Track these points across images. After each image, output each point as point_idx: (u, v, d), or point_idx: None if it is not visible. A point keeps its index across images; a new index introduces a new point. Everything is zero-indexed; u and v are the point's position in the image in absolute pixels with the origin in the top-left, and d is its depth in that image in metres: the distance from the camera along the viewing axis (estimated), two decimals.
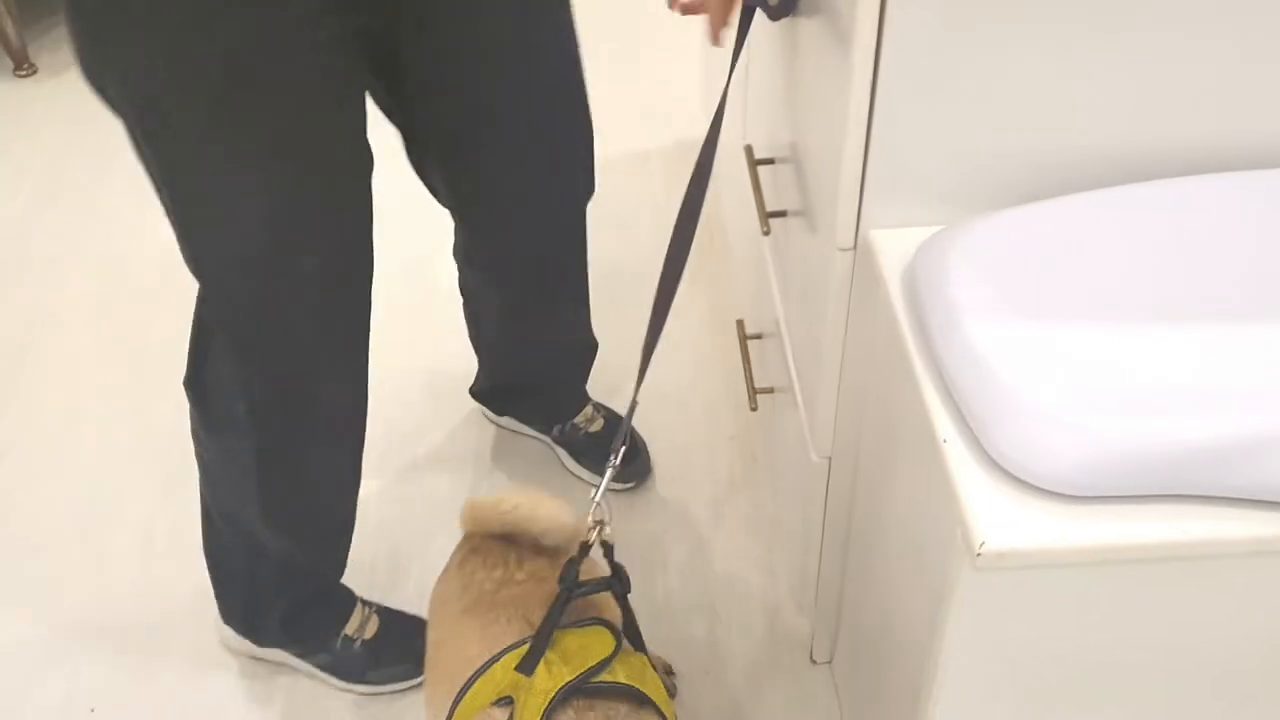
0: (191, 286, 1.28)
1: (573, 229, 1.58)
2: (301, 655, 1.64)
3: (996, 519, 0.89)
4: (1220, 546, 0.88)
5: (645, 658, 1.16)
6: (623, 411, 1.96)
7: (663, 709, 1.10)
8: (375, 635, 1.64)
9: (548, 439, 1.93)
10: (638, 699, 1.10)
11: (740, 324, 1.80)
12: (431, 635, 1.26)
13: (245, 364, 1.31)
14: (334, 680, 1.63)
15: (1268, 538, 0.88)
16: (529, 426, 1.93)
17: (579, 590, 1.14)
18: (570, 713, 1.07)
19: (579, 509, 1.20)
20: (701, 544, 1.84)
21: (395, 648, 1.64)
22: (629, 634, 1.19)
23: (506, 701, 1.08)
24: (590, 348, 1.84)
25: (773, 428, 1.78)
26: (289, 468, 1.41)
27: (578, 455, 1.90)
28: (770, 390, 1.72)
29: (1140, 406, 0.89)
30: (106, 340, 2.22)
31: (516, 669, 1.10)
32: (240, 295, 1.25)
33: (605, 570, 1.20)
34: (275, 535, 1.47)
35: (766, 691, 1.64)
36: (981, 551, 0.87)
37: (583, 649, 1.11)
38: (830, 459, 1.40)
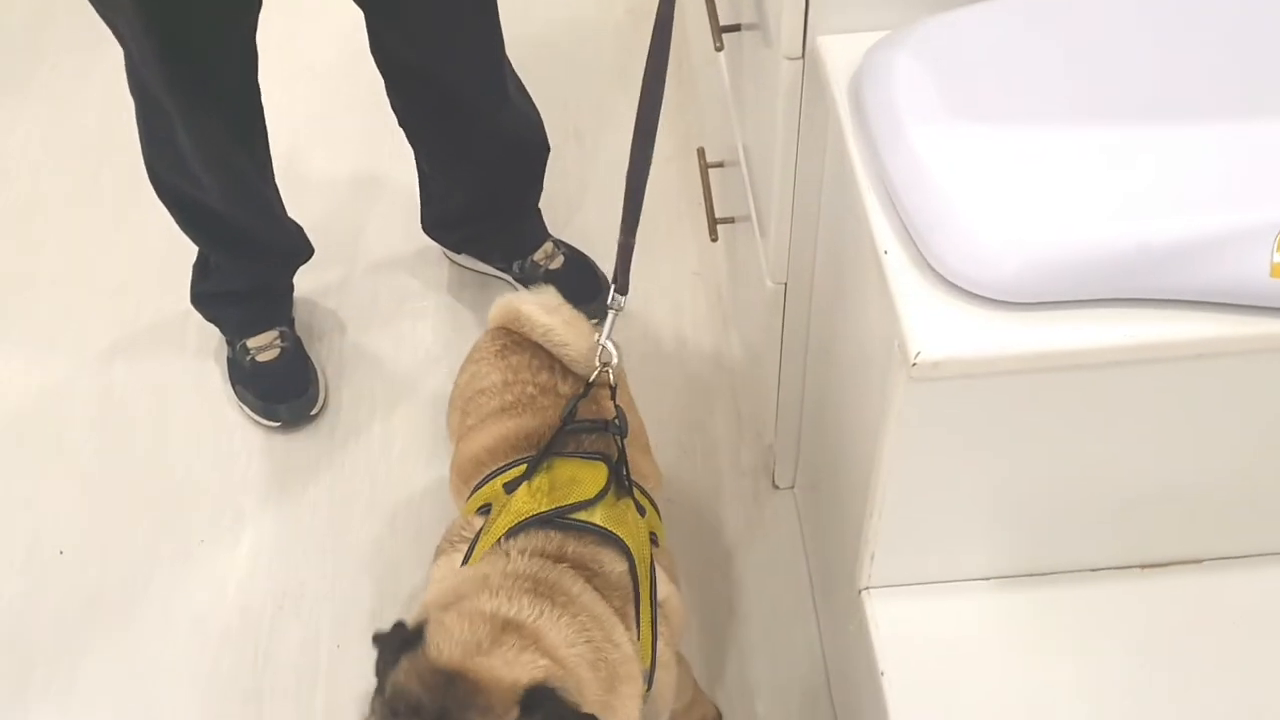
0: None
1: None
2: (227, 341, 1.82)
3: (934, 329, 0.87)
4: (1161, 350, 0.86)
5: (631, 501, 1.15)
6: (582, 247, 1.93)
7: (634, 551, 1.10)
8: (269, 361, 1.76)
9: (508, 277, 1.89)
10: (603, 538, 1.10)
11: (701, 152, 1.74)
12: (464, 419, 1.28)
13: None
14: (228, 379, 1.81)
15: (1209, 339, 0.86)
16: (488, 264, 1.89)
17: (577, 427, 1.15)
18: (527, 537, 1.08)
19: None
20: (667, 380, 1.83)
21: (277, 388, 1.76)
22: (622, 474, 1.16)
23: (487, 510, 1.10)
24: (540, 147, 1.77)
25: (734, 259, 1.75)
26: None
27: None
28: (731, 220, 1.68)
29: (1081, 210, 0.86)
30: None
31: (504, 486, 1.11)
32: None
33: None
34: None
35: (730, 517, 1.66)
36: (917, 361, 0.85)
37: (572, 481, 1.11)
38: (785, 284, 1.38)
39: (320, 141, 2.14)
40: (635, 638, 1.07)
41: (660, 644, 1.11)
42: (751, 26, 1.33)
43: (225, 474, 1.72)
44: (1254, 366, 0.92)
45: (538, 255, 1.86)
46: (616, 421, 1.17)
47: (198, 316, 1.82)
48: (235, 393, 1.79)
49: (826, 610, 1.47)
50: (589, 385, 1.21)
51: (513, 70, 1.66)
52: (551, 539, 1.09)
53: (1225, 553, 1.10)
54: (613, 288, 1.24)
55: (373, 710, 0.96)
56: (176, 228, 1.68)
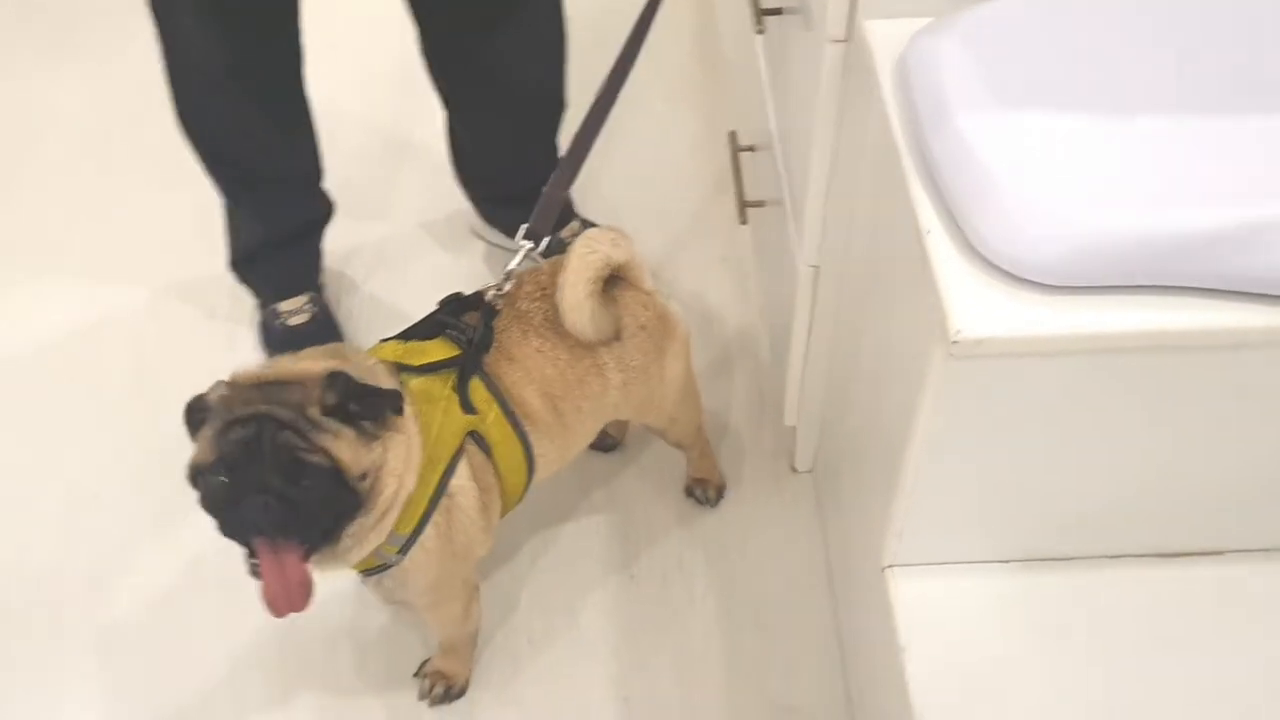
0: None
1: None
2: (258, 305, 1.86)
3: (974, 308, 0.88)
4: (1196, 338, 0.88)
5: (456, 398, 1.26)
6: (605, 223, 1.94)
7: (423, 431, 1.21)
8: (299, 324, 1.79)
9: (535, 255, 1.91)
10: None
11: (733, 135, 1.76)
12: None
13: None
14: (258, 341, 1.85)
15: (1244, 329, 0.87)
16: (513, 239, 1.91)
17: (445, 314, 1.30)
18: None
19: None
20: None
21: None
22: (465, 379, 1.28)
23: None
24: (557, 102, 1.79)
25: (762, 243, 1.77)
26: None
27: None
28: (761, 204, 1.69)
29: (1123, 196, 0.88)
30: None
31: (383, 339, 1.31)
32: None
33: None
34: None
35: (748, 498, 1.68)
36: (958, 339, 0.87)
37: (422, 352, 1.27)
38: (818, 266, 1.39)
39: (354, 103, 2.16)
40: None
41: (430, 529, 1.23)
42: (793, 10, 1.34)
43: None
44: None
45: (564, 233, 1.87)
46: (474, 330, 1.28)
47: (232, 282, 1.85)
48: (265, 356, 1.81)
49: (845, 590, 1.49)
50: (479, 296, 1.33)
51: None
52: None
53: (1247, 544, 1.11)
54: (522, 229, 1.36)
55: (204, 439, 1.10)
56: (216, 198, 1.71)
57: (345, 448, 1.11)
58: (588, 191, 1.99)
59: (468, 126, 1.81)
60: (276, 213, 1.79)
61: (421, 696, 1.47)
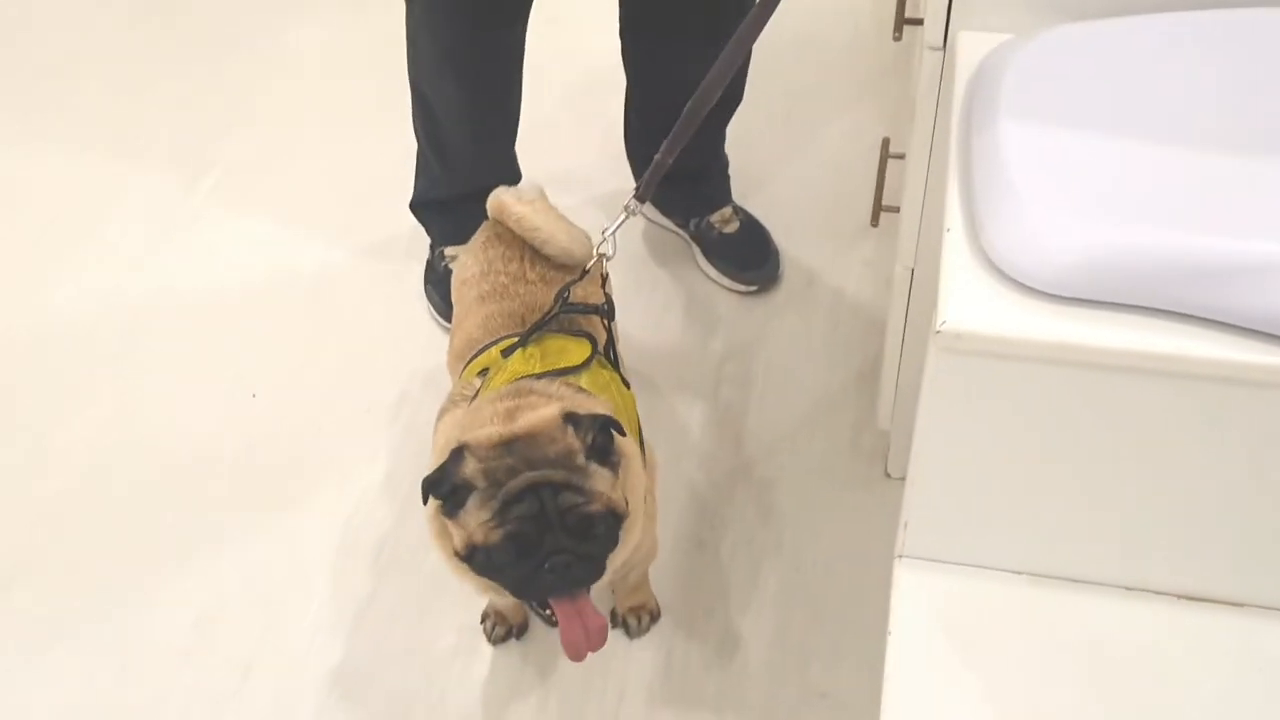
0: None
1: None
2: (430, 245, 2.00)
3: (966, 303, 0.92)
4: (1189, 365, 0.88)
5: (617, 375, 1.30)
6: (764, 219, 2.02)
7: (615, 416, 1.21)
8: None
9: (684, 234, 2.01)
10: (589, 396, 1.24)
11: (885, 141, 1.79)
12: (455, 309, 1.47)
13: None
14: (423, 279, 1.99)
15: (1238, 363, 0.87)
16: (668, 218, 2.02)
17: (570, 308, 1.29)
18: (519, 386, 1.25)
19: (590, 241, 1.38)
20: (809, 355, 1.90)
21: None
22: (608, 354, 1.34)
23: (486, 373, 1.26)
24: (734, 99, 1.85)
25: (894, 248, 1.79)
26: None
27: (709, 254, 1.98)
28: (895, 209, 1.72)
29: (1139, 218, 0.89)
30: None
31: (502, 353, 1.27)
32: None
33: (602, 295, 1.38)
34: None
35: (835, 496, 1.71)
36: (940, 330, 0.91)
37: (561, 352, 1.26)
38: (913, 269, 1.43)
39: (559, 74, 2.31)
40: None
41: (642, 494, 1.24)
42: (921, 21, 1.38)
43: (400, 360, 1.93)
44: None
45: (714, 217, 1.97)
46: (605, 306, 1.31)
47: (413, 222, 2.04)
48: (426, 292, 2.00)
49: None
50: (584, 271, 1.35)
51: None
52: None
53: (1271, 602, 1.07)
54: (634, 193, 1.35)
55: (477, 520, 1.11)
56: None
57: (610, 485, 1.14)
58: (750, 178, 2.07)
59: (644, 109, 1.92)
60: (466, 174, 1.93)
61: (634, 634, 1.54)
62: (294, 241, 2.14)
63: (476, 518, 1.11)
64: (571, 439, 1.12)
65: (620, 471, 1.16)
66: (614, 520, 1.14)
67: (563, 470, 1.10)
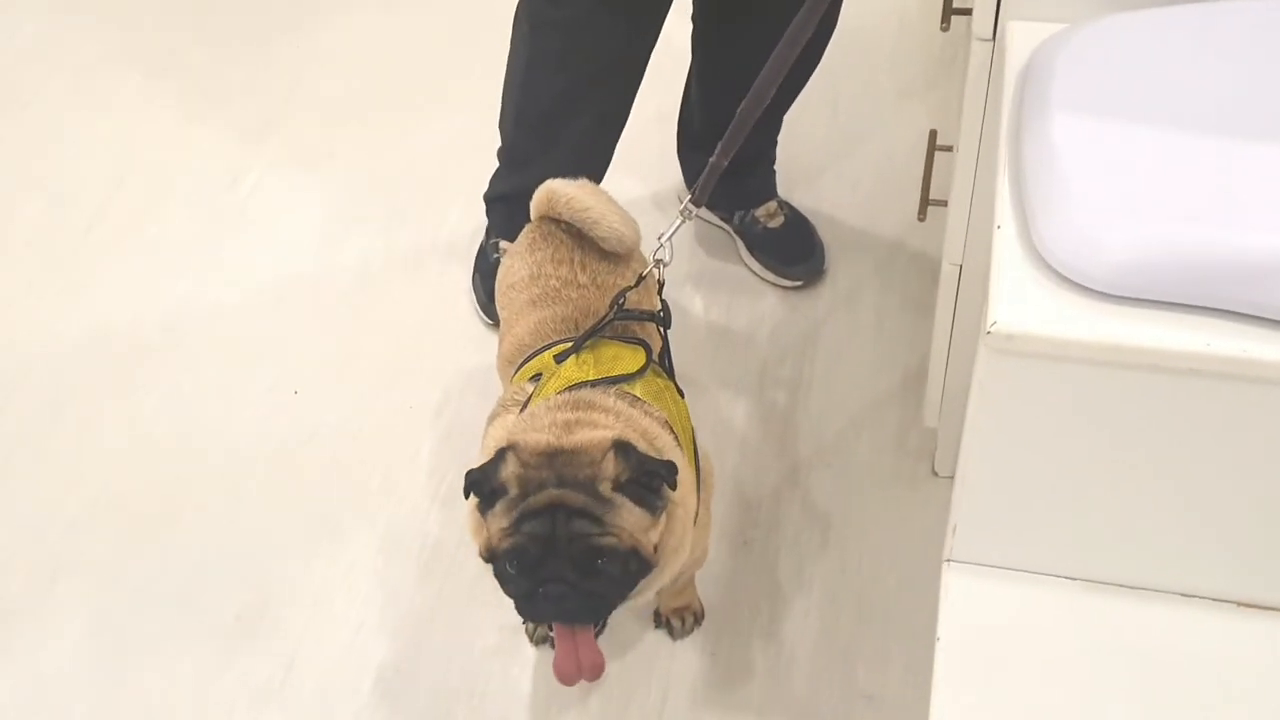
0: None
1: None
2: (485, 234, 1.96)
3: (1018, 303, 0.89)
4: (1246, 366, 0.84)
5: (671, 383, 1.27)
6: (810, 213, 1.99)
7: (674, 423, 1.20)
8: None
9: (729, 228, 1.99)
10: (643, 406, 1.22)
11: (933, 134, 1.76)
12: (502, 313, 1.45)
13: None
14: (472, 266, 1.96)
15: None
16: (712, 212, 1.99)
17: (625, 315, 1.26)
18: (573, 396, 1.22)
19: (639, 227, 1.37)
20: (855, 349, 1.87)
21: None
22: (663, 363, 1.32)
23: (538, 378, 1.25)
24: (793, 96, 1.81)
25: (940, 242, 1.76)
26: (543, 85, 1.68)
27: (753, 248, 1.95)
28: (943, 203, 1.69)
29: (1197, 214, 0.86)
30: None
31: (555, 358, 1.24)
32: None
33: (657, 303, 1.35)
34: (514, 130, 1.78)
35: (882, 495, 1.69)
36: (991, 330, 0.88)
37: (615, 359, 1.24)
38: (961, 266, 1.39)
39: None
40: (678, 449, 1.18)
41: (698, 503, 1.21)
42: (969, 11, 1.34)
43: (443, 359, 1.92)
44: None
45: (760, 211, 1.94)
46: (661, 314, 1.28)
47: (459, 214, 2.02)
48: (472, 283, 1.97)
49: None
50: (640, 278, 1.32)
51: None
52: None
53: None
54: (689, 196, 1.32)
55: (499, 524, 1.09)
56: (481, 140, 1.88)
57: (642, 527, 1.10)
58: (797, 171, 2.05)
59: (706, 101, 1.88)
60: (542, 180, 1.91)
61: (677, 636, 1.51)
62: (335, 240, 2.14)
63: (498, 522, 1.10)
64: (608, 466, 1.08)
65: (663, 515, 1.12)
66: (634, 562, 1.10)
67: (583, 495, 1.07)
